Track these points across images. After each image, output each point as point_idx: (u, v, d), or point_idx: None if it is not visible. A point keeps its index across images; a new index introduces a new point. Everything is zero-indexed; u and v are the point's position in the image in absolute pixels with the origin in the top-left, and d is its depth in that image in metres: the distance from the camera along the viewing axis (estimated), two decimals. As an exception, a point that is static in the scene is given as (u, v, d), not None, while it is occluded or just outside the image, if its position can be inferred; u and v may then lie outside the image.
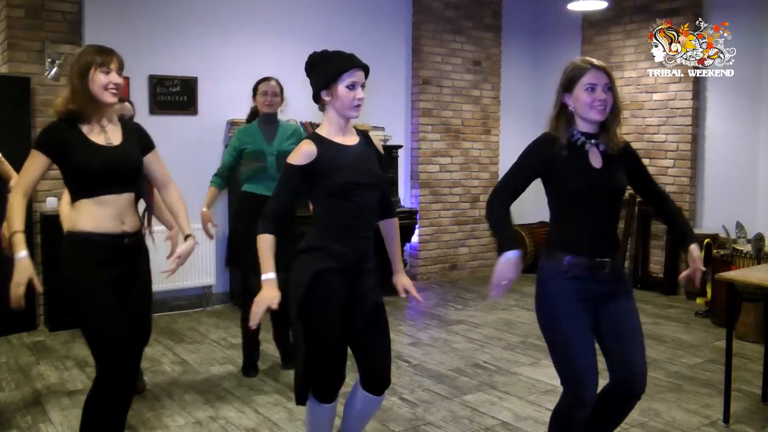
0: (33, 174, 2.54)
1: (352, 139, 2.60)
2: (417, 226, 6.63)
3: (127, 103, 3.80)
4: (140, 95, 5.55)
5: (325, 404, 2.60)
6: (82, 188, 2.57)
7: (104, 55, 2.56)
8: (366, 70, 2.55)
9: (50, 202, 5.07)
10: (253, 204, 3.88)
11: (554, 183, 2.52)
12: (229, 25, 5.97)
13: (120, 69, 2.61)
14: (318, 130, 2.58)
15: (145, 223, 3.83)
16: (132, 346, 2.65)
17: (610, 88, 2.46)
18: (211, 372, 4.30)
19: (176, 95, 5.76)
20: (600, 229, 2.51)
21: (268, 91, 4.11)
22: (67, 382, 4.08)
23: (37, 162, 2.53)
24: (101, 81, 2.54)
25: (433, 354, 4.68)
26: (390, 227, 2.81)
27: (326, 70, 2.51)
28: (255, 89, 4.17)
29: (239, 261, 4.21)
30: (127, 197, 2.64)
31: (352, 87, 2.49)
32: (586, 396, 2.45)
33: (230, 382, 4.11)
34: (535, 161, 2.51)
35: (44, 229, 5.09)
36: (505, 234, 2.48)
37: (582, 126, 2.50)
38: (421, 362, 4.49)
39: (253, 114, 4.27)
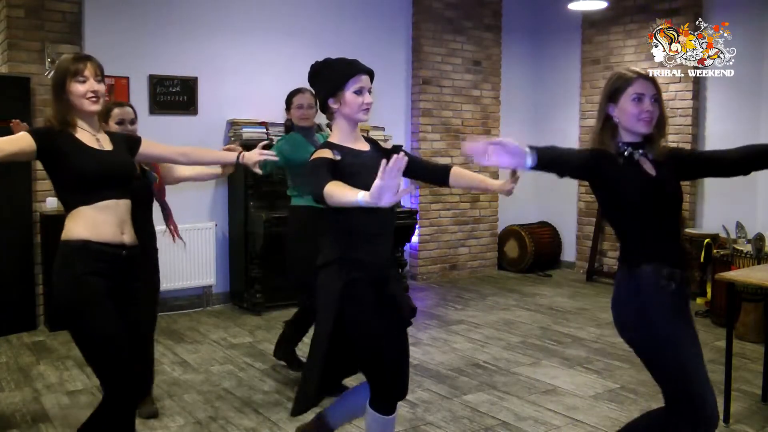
0: (13, 140, 2.39)
1: (363, 146, 2.55)
2: (417, 226, 6.63)
3: (127, 108, 3.62)
4: (140, 95, 5.55)
5: (387, 416, 2.51)
6: (80, 194, 2.45)
7: (77, 64, 2.48)
8: (371, 74, 2.51)
9: (50, 202, 5.07)
10: (310, 217, 3.68)
11: (613, 195, 2.40)
12: (229, 25, 5.96)
13: (98, 75, 2.51)
14: (330, 139, 2.53)
15: (168, 226, 3.76)
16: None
17: (657, 99, 2.36)
18: (211, 372, 4.29)
19: (176, 95, 5.75)
20: (675, 239, 2.41)
21: (303, 104, 3.93)
22: (67, 382, 4.08)
23: (24, 138, 2.40)
24: (78, 91, 2.47)
25: (433, 354, 4.67)
26: (456, 176, 2.68)
27: (331, 78, 2.46)
28: (289, 102, 4.00)
29: (300, 275, 3.85)
30: (125, 204, 2.54)
31: (359, 92, 2.45)
32: (707, 414, 2.33)
33: (230, 382, 4.11)
34: (592, 161, 2.38)
35: (44, 229, 5.09)
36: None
37: (626, 137, 2.39)
38: (421, 362, 4.48)
39: (290, 127, 4.07)
